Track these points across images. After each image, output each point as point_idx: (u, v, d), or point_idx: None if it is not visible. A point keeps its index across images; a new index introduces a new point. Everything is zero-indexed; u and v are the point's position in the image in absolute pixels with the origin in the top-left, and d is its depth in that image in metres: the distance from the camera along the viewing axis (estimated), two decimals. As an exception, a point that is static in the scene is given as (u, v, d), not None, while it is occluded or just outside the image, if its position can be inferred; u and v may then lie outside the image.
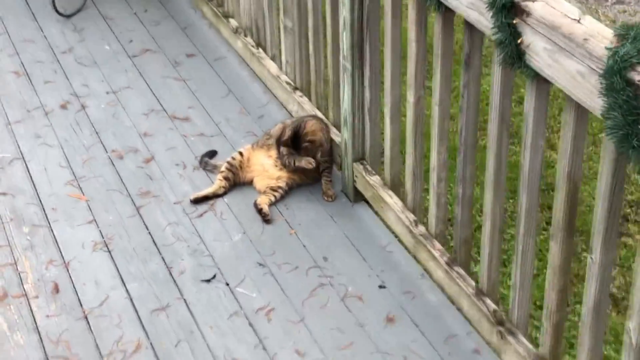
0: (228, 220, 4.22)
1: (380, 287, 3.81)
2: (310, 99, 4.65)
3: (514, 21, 2.76)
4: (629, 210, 4.50)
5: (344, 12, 3.83)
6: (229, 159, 4.44)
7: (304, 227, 4.16)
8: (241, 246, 4.04)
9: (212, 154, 4.60)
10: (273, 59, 5.00)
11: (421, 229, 3.79)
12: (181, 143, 4.73)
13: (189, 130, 4.82)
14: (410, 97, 3.62)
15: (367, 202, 4.20)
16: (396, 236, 4.03)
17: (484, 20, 2.93)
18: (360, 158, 4.19)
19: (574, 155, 2.77)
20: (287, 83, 4.83)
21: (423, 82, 3.60)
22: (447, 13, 3.23)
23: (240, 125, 4.85)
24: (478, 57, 3.17)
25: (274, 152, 4.36)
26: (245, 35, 5.23)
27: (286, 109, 4.87)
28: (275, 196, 4.31)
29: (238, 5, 5.26)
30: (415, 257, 3.87)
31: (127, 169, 4.54)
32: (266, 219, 4.19)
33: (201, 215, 4.26)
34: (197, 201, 4.32)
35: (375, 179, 4.09)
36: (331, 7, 4.13)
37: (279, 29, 4.85)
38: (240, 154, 4.45)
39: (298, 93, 4.73)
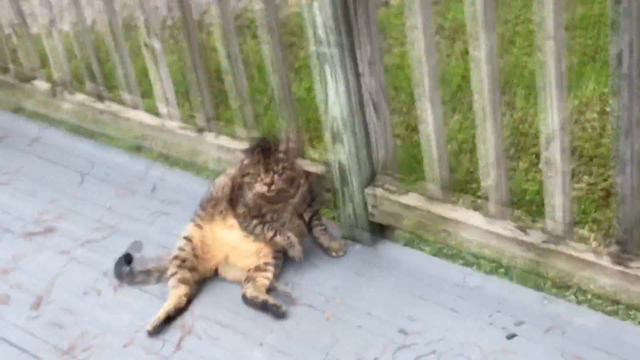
0: (224, 338, 2.73)
1: (510, 336, 2.57)
2: (233, 135, 3.25)
3: None
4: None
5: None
6: (174, 252, 2.93)
7: (336, 302, 2.79)
8: (275, 365, 2.61)
9: (127, 259, 3.05)
10: (135, 106, 3.52)
11: (538, 235, 2.60)
12: (67, 264, 3.12)
13: (64, 244, 3.21)
14: (478, 47, 2.43)
15: (385, 236, 2.94)
16: (474, 264, 2.81)
17: None
18: (370, 179, 2.90)
19: None
20: (183, 128, 3.39)
21: (494, 22, 2.42)
22: None
23: (133, 209, 3.33)
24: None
25: (232, 219, 2.94)
26: (72, 92, 3.69)
27: (192, 166, 3.43)
28: (268, 278, 2.88)
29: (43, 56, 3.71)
30: (532, 277, 2.66)
31: (24, 323, 2.88)
32: (279, 312, 2.76)
33: (178, 346, 2.73)
34: (157, 330, 2.78)
35: (414, 198, 2.82)
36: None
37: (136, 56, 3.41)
38: (187, 239, 2.96)
39: (209, 135, 3.32)
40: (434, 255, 2.89)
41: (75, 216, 3.35)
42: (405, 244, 2.95)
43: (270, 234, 2.88)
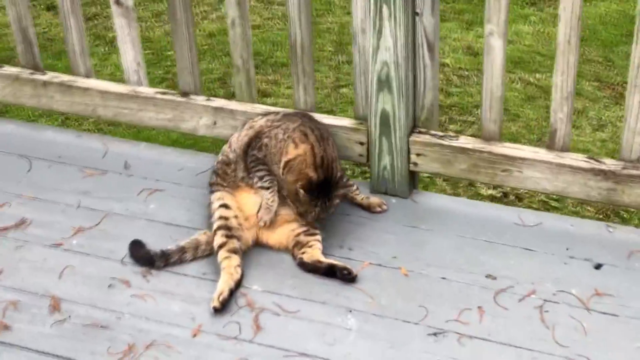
0: (304, 309, 2.48)
1: (597, 266, 2.58)
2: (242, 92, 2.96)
3: None
4: None
5: None
6: (217, 222, 2.62)
7: (404, 258, 2.64)
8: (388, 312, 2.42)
9: (137, 246, 2.67)
10: (88, 74, 3.10)
11: (613, 163, 2.62)
12: (67, 257, 2.68)
13: (50, 235, 2.76)
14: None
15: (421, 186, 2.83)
16: (526, 201, 2.78)
17: None
18: (412, 127, 2.77)
19: None
20: (163, 93, 3.02)
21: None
22: None
23: (115, 190, 2.94)
24: None
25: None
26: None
27: (160, 136, 3.09)
28: (319, 241, 2.66)
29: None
30: (594, 207, 2.67)
31: (51, 330, 2.42)
32: (350, 276, 2.56)
33: (257, 326, 2.44)
34: (225, 305, 2.47)
35: (469, 140, 2.73)
36: None
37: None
38: (225, 206, 2.65)
39: (198, 98, 2.99)
40: (479, 199, 2.84)
41: (44, 204, 2.89)
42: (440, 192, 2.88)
43: (260, 184, 2.65)
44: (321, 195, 2.56)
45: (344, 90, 4.39)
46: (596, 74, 4.67)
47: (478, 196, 3.64)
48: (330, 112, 4.05)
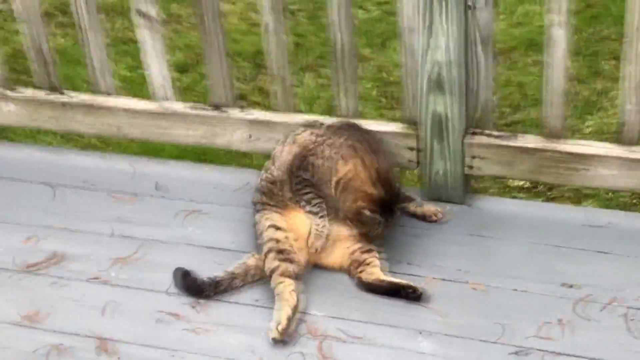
0: (370, 334, 2.30)
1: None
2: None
3: None
4: None
5: None
6: (267, 244, 2.44)
7: (470, 270, 2.46)
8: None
9: (182, 275, 2.49)
10: (109, 91, 2.91)
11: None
12: (107, 292, 2.50)
13: (86, 269, 2.57)
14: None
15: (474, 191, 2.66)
16: (593, 199, 2.62)
17: None
18: (466, 129, 2.59)
19: None
20: (195, 107, 2.83)
21: None
22: None
23: (148, 214, 2.76)
24: None
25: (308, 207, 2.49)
26: (11, 89, 2.98)
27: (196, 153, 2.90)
28: (377, 258, 2.48)
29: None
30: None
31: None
32: (416, 294, 2.38)
33: (323, 355, 2.25)
34: (284, 334, 2.29)
35: (531, 139, 2.56)
36: None
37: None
38: (275, 227, 2.47)
39: (231, 111, 2.80)
40: (507, 191, 2.67)
41: (76, 235, 2.70)
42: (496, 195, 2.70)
43: (309, 208, 2.47)
44: (385, 211, 2.38)
45: (363, 82, 4.19)
46: (613, 51, 4.50)
47: (506, 188, 3.48)
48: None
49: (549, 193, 3.37)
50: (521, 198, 3.14)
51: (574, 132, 3.39)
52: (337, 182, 2.42)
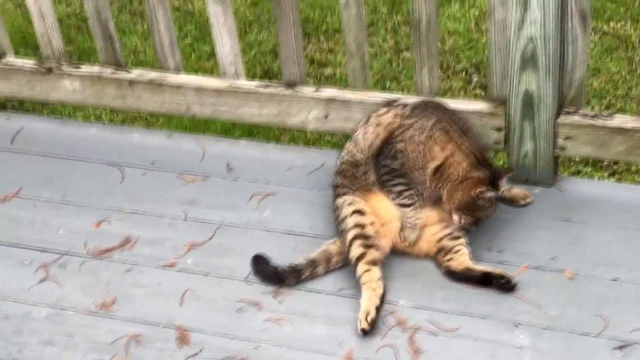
0: (465, 326, 2.19)
1: None
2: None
3: None
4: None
5: None
6: (352, 231, 2.32)
7: (563, 257, 2.34)
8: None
9: (261, 262, 2.39)
10: (177, 69, 2.79)
11: None
12: (184, 279, 2.41)
13: (159, 255, 2.48)
14: None
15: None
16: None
17: None
18: (559, 108, 2.45)
19: None
20: (266, 86, 2.72)
21: None
22: None
23: (222, 197, 2.66)
24: None
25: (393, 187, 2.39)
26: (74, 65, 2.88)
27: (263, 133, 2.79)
28: (465, 245, 2.37)
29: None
30: None
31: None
32: (509, 284, 2.27)
33: (414, 349, 2.15)
34: (374, 325, 2.19)
35: (628, 119, 2.41)
36: None
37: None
38: (359, 212, 2.36)
39: (305, 89, 2.69)
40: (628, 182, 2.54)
41: (148, 219, 2.60)
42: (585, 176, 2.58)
43: (400, 200, 2.37)
44: (494, 188, 2.28)
45: (406, 54, 4.03)
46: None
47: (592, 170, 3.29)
48: (394, 79, 3.71)
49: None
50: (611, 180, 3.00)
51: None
52: (436, 169, 2.31)
